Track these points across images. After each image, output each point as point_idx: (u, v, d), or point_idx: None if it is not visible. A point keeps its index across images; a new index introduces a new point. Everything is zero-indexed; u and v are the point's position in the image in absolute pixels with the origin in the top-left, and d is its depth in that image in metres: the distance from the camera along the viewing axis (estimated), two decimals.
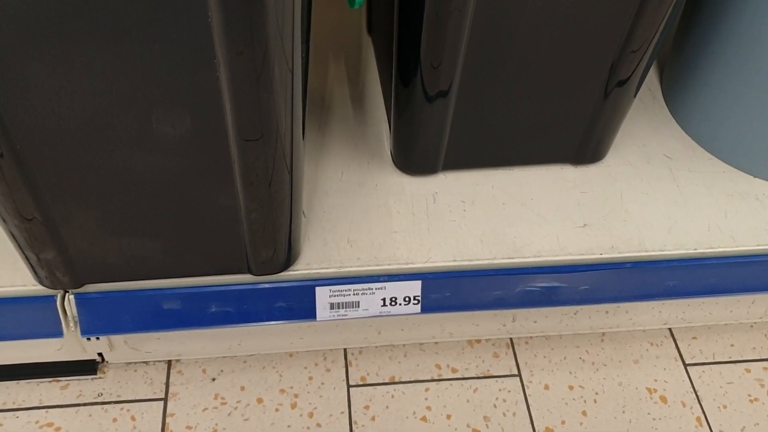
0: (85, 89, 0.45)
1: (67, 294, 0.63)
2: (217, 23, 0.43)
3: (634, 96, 0.70)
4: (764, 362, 0.81)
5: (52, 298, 0.62)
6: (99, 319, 0.63)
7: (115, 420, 0.74)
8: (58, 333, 0.63)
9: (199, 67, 0.45)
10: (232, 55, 0.44)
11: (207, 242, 0.61)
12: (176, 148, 0.50)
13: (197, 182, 0.54)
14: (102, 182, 0.52)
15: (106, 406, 0.74)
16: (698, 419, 0.77)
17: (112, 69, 0.44)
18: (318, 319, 0.67)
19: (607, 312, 0.80)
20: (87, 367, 0.74)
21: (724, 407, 0.78)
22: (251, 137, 0.50)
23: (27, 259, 0.58)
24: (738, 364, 0.80)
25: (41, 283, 0.61)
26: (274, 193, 0.57)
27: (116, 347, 0.73)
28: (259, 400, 0.76)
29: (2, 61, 0.43)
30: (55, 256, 0.57)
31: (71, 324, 0.64)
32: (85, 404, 0.75)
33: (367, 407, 0.77)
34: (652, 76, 0.88)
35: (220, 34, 0.43)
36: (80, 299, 0.62)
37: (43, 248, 0.56)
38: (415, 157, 0.74)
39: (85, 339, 0.70)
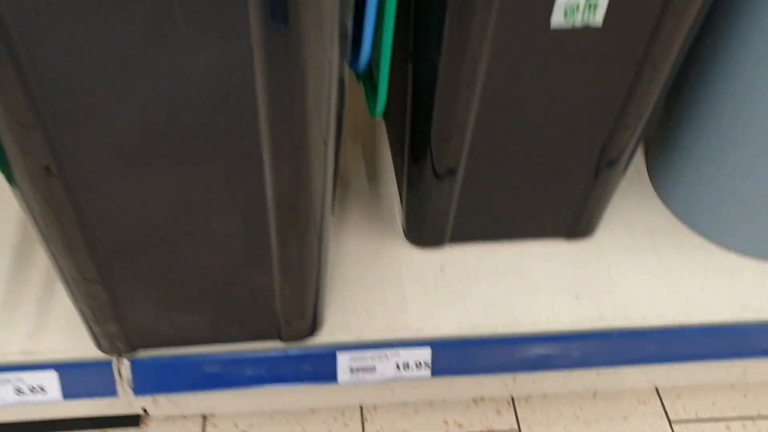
0: (157, 197, 0.55)
1: (122, 358, 0.72)
2: (266, 143, 0.53)
3: (622, 174, 0.80)
4: (743, 420, 0.89)
5: (109, 362, 0.72)
6: (150, 380, 0.72)
7: None
8: (113, 392, 0.72)
9: (250, 178, 0.55)
10: (276, 172, 0.54)
11: (245, 314, 0.70)
12: (226, 242, 0.60)
13: (241, 267, 0.63)
14: (163, 269, 0.62)
15: None
16: None
17: (182, 182, 0.54)
18: (339, 382, 0.75)
19: (598, 373, 0.88)
20: (132, 421, 0.83)
21: None
22: (292, 234, 0.60)
23: (91, 329, 0.67)
24: (719, 422, 0.88)
25: (101, 349, 0.70)
26: (306, 272, 0.66)
27: (159, 403, 0.81)
28: None
29: (92, 173, 0.53)
30: (116, 327, 0.67)
31: (125, 384, 0.73)
32: None
33: None
34: (639, 155, 0.97)
35: (269, 154, 0.53)
36: (134, 363, 0.71)
37: (107, 322, 0.66)
38: (424, 231, 0.83)
39: (134, 396, 0.79)
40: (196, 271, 0.62)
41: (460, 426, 0.87)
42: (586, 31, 0.61)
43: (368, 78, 0.66)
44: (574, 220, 0.84)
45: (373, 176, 0.92)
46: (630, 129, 0.73)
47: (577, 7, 0.59)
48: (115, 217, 0.56)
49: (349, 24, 0.53)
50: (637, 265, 0.84)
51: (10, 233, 0.82)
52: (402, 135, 0.78)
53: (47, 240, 0.58)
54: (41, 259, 0.79)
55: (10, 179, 0.54)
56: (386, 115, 0.97)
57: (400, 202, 0.87)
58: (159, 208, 0.57)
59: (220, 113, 0.51)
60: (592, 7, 0.59)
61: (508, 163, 0.75)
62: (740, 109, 0.76)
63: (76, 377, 0.71)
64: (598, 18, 0.60)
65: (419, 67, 0.67)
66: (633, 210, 0.90)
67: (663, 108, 0.90)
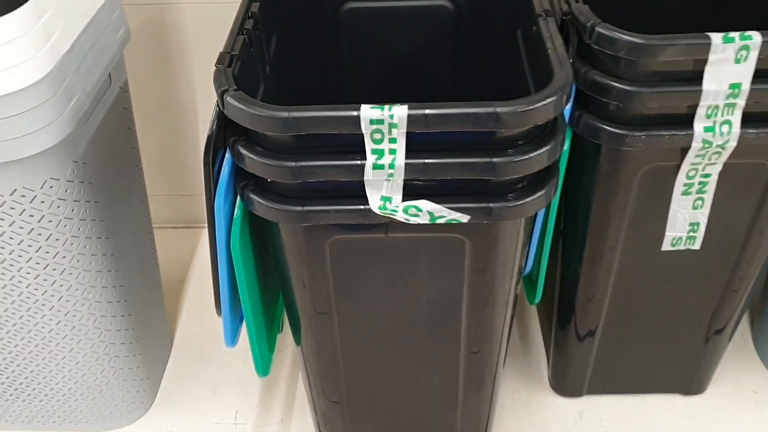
0: (390, 362, 0.84)
1: None
2: (463, 332, 0.80)
3: (728, 341, 1.00)
4: None
5: None
6: None
7: None
8: None
9: (450, 352, 0.83)
10: (467, 351, 0.82)
11: None
12: (428, 392, 0.87)
13: (436, 409, 0.90)
14: (383, 413, 0.90)
15: None
16: None
17: (407, 355, 0.83)
18: None
19: None
20: None
21: None
22: (473, 386, 0.87)
23: None
24: None
25: None
26: (481, 413, 0.92)
27: None
28: None
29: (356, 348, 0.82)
30: None
31: None
32: None
33: None
34: (745, 324, 1.17)
35: (464, 339, 0.81)
36: None
37: None
38: (567, 383, 1.06)
39: None
40: (409, 413, 0.90)
41: None
42: (689, 251, 0.86)
43: (527, 277, 0.93)
44: (689, 378, 1.05)
45: (523, 336, 1.17)
46: (731, 307, 0.95)
47: (680, 240, 0.84)
48: (358, 372, 0.85)
49: None
50: (743, 420, 1.03)
51: None
52: (549, 306, 1.04)
53: (309, 383, 0.88)
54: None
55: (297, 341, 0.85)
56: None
57: (546, 359, 1.11)
58: (389, 370, 0.85)
59: (436, 318, 0.79)
60: (691, 239, 0.84)
61: (636, 331, 0.98)
62: None
63: None
64: (696, 245, 0.85)
65: (566, 267, 0.94)
66: (739, 372, 1.10)
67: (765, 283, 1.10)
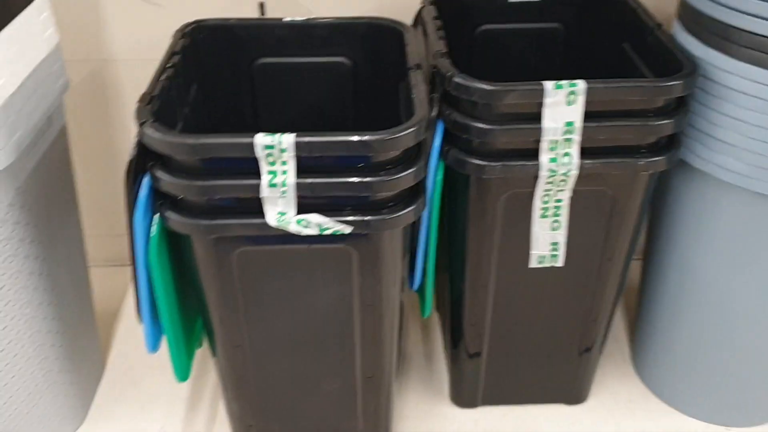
0: (295, 369, 0.95)
1: None
2: (357, 337, 0.92)
3: (599, 355, 1.14)
4: None
5: None
6: None
7: None
8: None
9: (346, 359, 0.94)
10: (363, 354, 0.94)
11: None
12: (331, 396, 0.99)
13: (338, 413, 1.01)
14: (293, 413, 1.00)
15: None
16: None
17: (308, 360, 0.95)
18: None
19: None
20: None
21: None
22: (371, 393, 0.98)
23: None
24: None
25: None
26: (380, 418, 1.03)
27: None
28: None
29: (264, 352, 0.94)
30: None
31: None
32: None
33: None
34: (624, 339, 1.32)
35: (359, 344, 0.93)
36: None
37: None
38: (463, 395, 1.18)
39: None
40: (315, 417, 1.00)
41: None
42: (554, 268, 1.00)
43: (421, 291, 1.06)
44: (570, 389, 1.18)
45: (429, 355, 1.30)
46: (595, 330, 1.09)
47: (545, 258, 0.99)
48: (268, 376, 0.96)
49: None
50: (619, 426, 1.16)
51: None
52: (444, 325, 1.17)
53: (225, 388, 0.98)
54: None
55: (213, 352, 0.96)
56: (440, 312, 1.37)
57: (448, 374, 1.24)
58: (295, 374, 0.96)
59: (333, 323, 0.91)
60: (554, 257, 0.99)
61: (515, 348, 1.11)
62: (682, 302, 1.11)
63: None
64: (560, 262, 1.00)
65: (453, 284, 1.07)
66: (617, 383, 1.24)
67: (638, 302, 1.25)
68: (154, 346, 0.92)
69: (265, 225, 0.80)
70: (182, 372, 0.95)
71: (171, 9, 1.20)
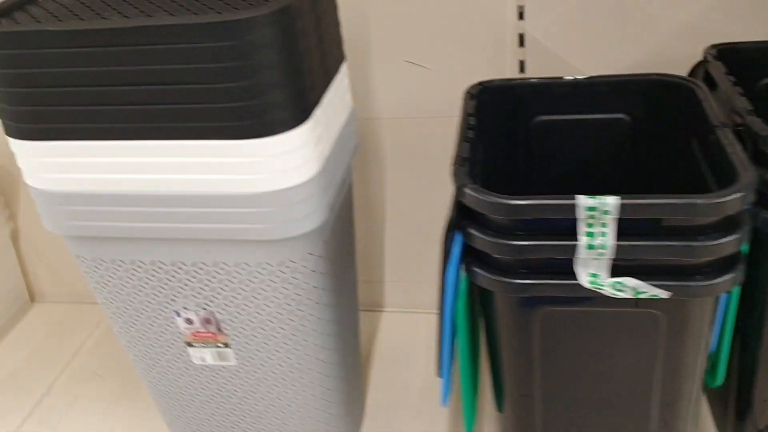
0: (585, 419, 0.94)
1: None
2: (654, 403, 0.89)
3: None
4: None
5: None
6: None
7: None
8: None
9: (638, 422, 0.91)
10: (658, 424, 0.90)
11: None
12: None
13: None
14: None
15: None
16: None
17: (600, 428, 0.92)
18: None
19: None
20: None
21: None
22: None
23: None
24: None
25: None
26: None
27: None
28: None
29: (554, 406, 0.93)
30: None
31: None
32: None
33: None
34: None
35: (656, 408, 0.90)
36: None
37: None
38: None
39: None
40: None
41: None
42: None
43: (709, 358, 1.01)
44: None
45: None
46: None
47: None
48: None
49: None
50: None
51: None
52: (725, 394, 1.10)
53: None
54: None
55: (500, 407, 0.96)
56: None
57: None
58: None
59: (630, 384, 0.89)
60: None
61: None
62: None
63: None
64: None
65: (744, 351, 1.01)
66: None
67: None
68: (447, 399, 0.94)
69: (577, 286, 0.80)
70: (470, 424, 0.96)
71: (435, 72, 1.26)
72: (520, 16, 1.21)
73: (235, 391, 1.09)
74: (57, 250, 1.66)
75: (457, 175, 0.82)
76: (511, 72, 1.25)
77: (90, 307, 1.70)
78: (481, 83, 1.04)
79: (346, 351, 1.11)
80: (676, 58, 1.15)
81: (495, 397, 0.98)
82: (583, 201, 0.76)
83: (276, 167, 0.85)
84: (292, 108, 0.83)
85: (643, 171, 1.07)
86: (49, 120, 0.86)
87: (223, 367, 1.06)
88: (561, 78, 1.04)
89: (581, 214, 0.76)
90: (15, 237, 1.67)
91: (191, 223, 0.89)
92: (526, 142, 1.08)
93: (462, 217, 0.83)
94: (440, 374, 0.92)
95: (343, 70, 1.01)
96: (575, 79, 1.04)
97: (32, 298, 1.75)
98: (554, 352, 0.88)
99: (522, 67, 1.25)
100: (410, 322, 1.52)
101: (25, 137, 0.88)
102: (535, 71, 1.24)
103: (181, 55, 0.79)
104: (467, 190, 0.80)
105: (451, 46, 1.25)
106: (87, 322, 1.66)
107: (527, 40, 1.23)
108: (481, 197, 0.78)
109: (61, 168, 0.89)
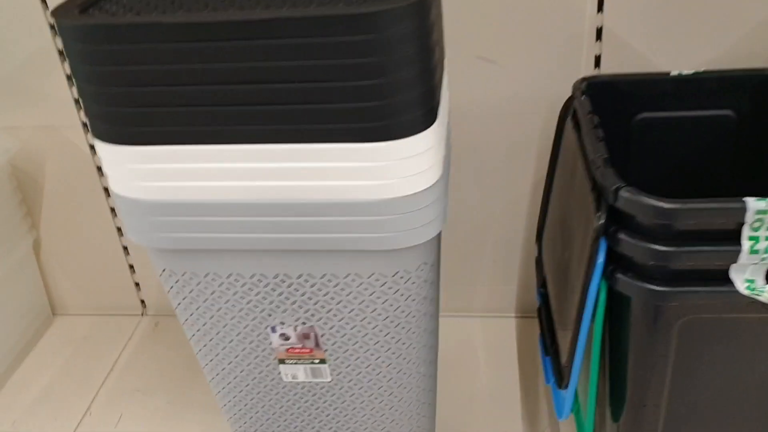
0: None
1: None
2: None
3: None
4: None
5: None
6: None
7: None
8: None
9: None
10: None
11: None
12: None
13: None
14: None
15: None
16: None
17: None
18: None
19: None
20: None
21: None
22: None
23: None
24: None
25: None
26: None
27: None
28: None
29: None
30: None
31: None
32: None
33: None
34: None
35: None
36: None
37: None
38: None
39: None
40: None
41: None
42: None
43: None
44: None
45: None
46: None
47: None
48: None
49: None
50: None
51: None
52: None
53: None
54: None
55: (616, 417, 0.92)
56: None
57: None
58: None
59: (763, 393, 0.85)
60: None
61: None
62: None
63: None
64: None
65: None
66: None
67: None
68: (568, 413, 0.89)
69: (732, 293, 0.76)
70: None
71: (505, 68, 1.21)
72: (599, 8, 1.17)
73: (324, 409, 1.02)
74: (79, 261, 1.56)
75: (606, 176, 0.77)
76: (586, 68, 1.21)
77: (115, 319, 1.61)
78: (584, 78, 0.99)
79: (437, 363, 1.06)
80: (760, 53, 1.12)
81: (610, 406, 0.94)
82: (753, 204, 0.71)
83: (404, 172, 0.78)
84: (424, 108, 0.77)
85: (746, 170, 1.04)
86: (149, 123, 0.78)
87: (315, 384, 0.99)
88: (667, 74, 1.00)
89: (749, 217, 0.72)
90: (37, 247, 1.56)
91: (303, 233, 0.82)
92: (625, 140, 1.04)
93: (610, 222, 0.78)
94: (564, 386, 0.87)
95: (446, 65, 0.95)
96: (680, 74, 1.00)
97: (53, 310, 1.65)
98: (689, 360, 0.84)
99: (597, 62, 1.20)
100: (465, 326, 1.47)
101: (120, 141, 0.80)
102: (612, 67, 1.20)
103: (307, 50, 0.72)
104: (623, 193, 0.75)
105: (522, 40, 1.19)
106: (114, 336, 1.56)
107: (605, 34, 1.18)
108: (640, 200, 0.74)
109: (160, 175, 0.81)
